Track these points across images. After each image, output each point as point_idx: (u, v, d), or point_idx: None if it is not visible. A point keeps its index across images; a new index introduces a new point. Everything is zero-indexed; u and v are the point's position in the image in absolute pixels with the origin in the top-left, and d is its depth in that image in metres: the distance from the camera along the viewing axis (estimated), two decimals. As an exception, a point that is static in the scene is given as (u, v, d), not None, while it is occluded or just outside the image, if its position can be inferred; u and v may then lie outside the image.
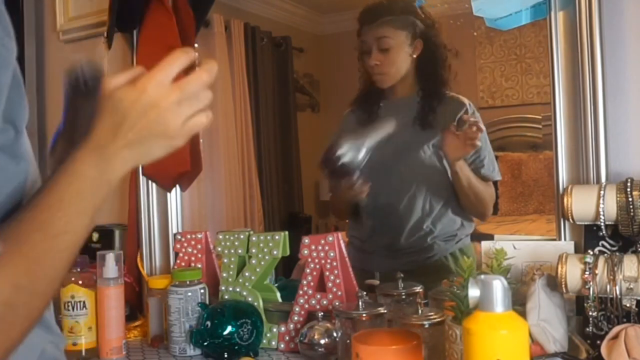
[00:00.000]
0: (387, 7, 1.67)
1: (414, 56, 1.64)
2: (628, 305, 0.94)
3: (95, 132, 0.71)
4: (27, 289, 0.62)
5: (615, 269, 0.93)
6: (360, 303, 1.15)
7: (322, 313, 1.22)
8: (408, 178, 1.63)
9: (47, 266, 0.64)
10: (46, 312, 0.75)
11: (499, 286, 0.68)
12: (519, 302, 1.01)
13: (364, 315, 1.14)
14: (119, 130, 0.70)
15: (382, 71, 1.66)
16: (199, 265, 1.47)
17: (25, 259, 0.62)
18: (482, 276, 0.70)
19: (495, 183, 1.63)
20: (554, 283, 0.97)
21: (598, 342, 0.95)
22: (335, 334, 1.18)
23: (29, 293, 0.63)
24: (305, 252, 1.31)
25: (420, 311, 1.11)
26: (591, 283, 0.94)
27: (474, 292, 0.70)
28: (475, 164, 1.57)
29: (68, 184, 0.68)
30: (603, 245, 1.05)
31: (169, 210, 1.62)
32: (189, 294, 1.32)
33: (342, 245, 1.30)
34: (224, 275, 1.40)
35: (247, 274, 1.37)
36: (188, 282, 1.33)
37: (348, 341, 1.08)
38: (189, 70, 0.73)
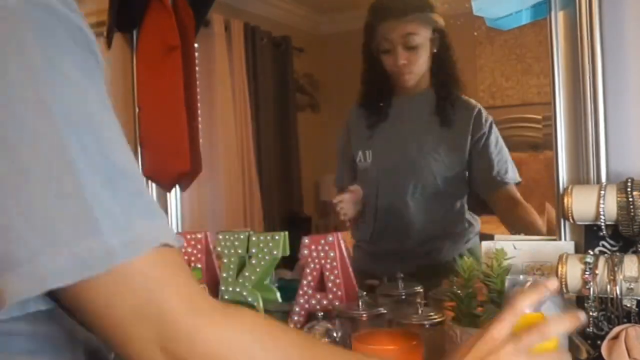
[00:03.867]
0: (411, 2, 1.61)
1: (434, 51, 1.59)
2: (628, 305, 0.94)
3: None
4: None
5: (616, 269, 0.93)
6: (360, 303, 1.15)
7: (322, 313, 1.22)
8: (417, 179, 1.61)
9: None
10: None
11: None
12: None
13: (364, 315, 1.14)
14: None
15: (411, 70, 1.58)
16: (199, 265, 1.47)
17: None
18: None
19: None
20: (554, 283, 0.97)
21: (598, 342, 0.95)
22: (335, 334, 1.18)
23: None
24: (305, 252, 1.31)
25: (420, 311, 1.11)
26: (591, 283, 0.94)
27: None
28: (500, 172, 1.56)
29: None
30: (603, 246, 1.05)
31: (169, 211, 1.62)
32: (189, 294, 1.32)
33: (342, 245, 1.30)
34: (224, 275, 1.40)
35: (247, 274, 1.37)
36: (188, 282, 1.33)
37: (348, 341, 1.08)
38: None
